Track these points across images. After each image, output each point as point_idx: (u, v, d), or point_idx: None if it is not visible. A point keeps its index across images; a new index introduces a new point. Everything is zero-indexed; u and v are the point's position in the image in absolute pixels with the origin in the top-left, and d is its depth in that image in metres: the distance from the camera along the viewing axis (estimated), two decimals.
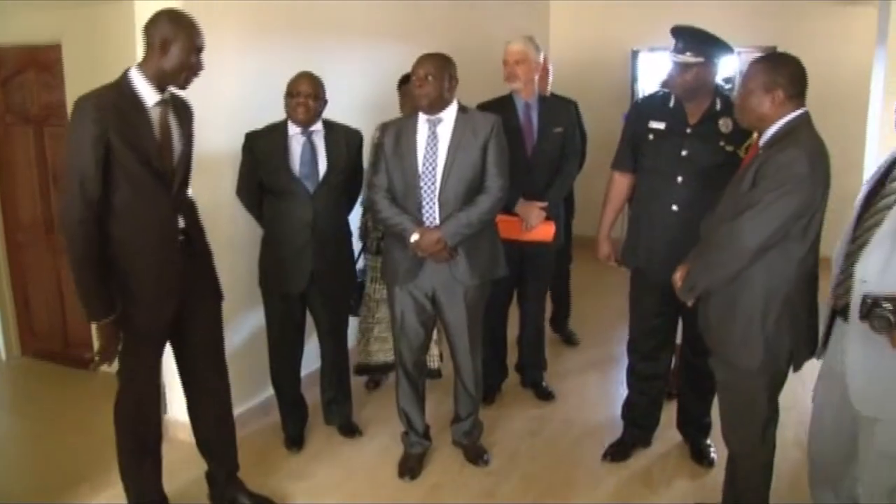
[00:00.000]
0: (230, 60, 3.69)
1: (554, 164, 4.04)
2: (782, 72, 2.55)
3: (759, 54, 6.43)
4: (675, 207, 3.24)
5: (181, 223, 2.88)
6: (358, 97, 4.40)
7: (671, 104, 3.34)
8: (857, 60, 6.49)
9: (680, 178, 3.23)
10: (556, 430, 4.03)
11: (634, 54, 7.80)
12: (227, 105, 3.71)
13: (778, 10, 7.20)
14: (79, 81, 4.11)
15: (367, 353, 4.36)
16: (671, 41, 3.21)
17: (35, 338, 5.02)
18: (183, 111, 2.91)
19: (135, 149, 2.65)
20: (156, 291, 2.80)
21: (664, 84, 3.67)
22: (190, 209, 2.97)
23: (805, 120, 2.58)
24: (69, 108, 4.16)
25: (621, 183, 3.58)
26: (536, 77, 4.07)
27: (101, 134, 2.56)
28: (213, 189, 3.62)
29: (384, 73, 4.22)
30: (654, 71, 7.54)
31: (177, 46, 2.69)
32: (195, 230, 2.98)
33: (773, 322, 2.59)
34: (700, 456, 3.65)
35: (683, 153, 3.23)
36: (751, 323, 2.61)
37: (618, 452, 3.70)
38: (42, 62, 4.49)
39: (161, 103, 2.75)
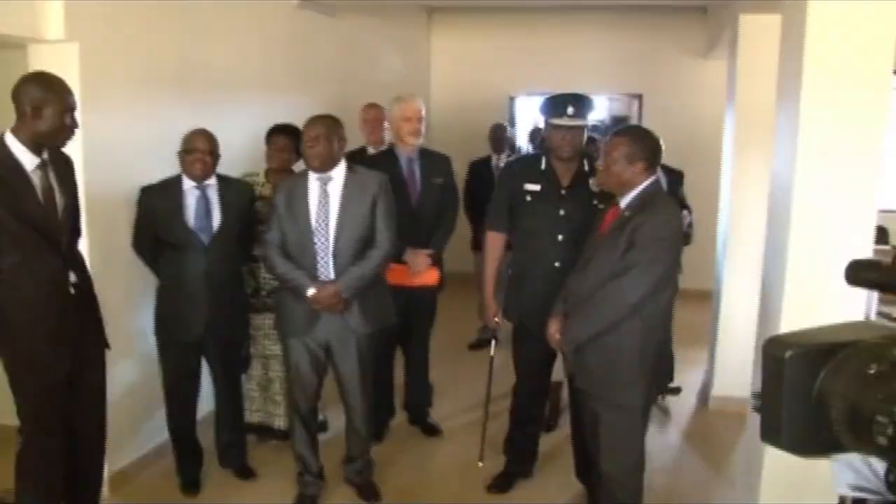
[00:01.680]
0: (121, 115, 3.77)
1: (436, 214, 4.31)
2: (644, 146, 2.95)
3: (626, 98, 6.91)
4: (557, 264, 3.47)
5: (73, 278, 2.97)
6: (242, 148, 4.52)
7: (542, 167, 3.60)
8: (714, 108, 7.10)
9: (560, 237, 3.49)
10: (442, 464, 4.26)
11: (512, 99, 8.21)
12: (119, 158, 3.78)
13: (643, 61, 7.76)
14: None
15: (265, 412, 4.33)
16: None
17: None
18: (63, 166, 2.99)
19: (20, 216, 2.74)
20: (55, 346, 2.90)
21: (543, 146, 3.84)
22: (80, 263, 3.07)
23: (659, 185, 3.03)
24: None
25: (497, 242, 3.81)
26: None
27: None
28: (108, 241, 3.71)
29: (269, 123, 4.34)
30: (529, 115, 7.97)
31: (49, 110, 2.76)
32: (85, 283, 3.08)
33: (650, 362, 2.97)
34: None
35: (561, 213, 3.51)
36: (631, 366, 2.95)
37: (502, 483, 3.96)
38: None
39: (41, 166, 2.83)
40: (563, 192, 3.54)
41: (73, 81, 3.27)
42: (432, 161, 4.37)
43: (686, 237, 4.92)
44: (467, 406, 5.07)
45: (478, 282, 5.90)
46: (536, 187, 3.58)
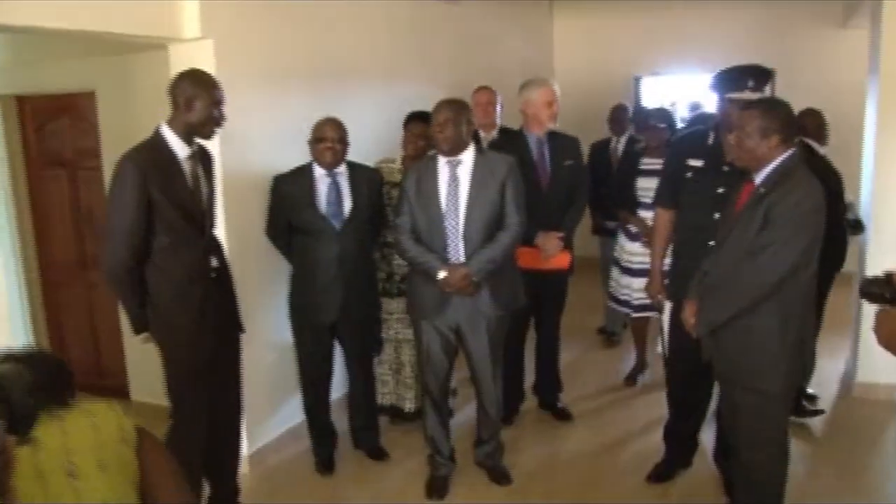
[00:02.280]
0: (254, 107, 3.91)
1: (566, 196, 4.26)
2: (777, 117, 2.78)
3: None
4: (711, 243, 3.23)
5: (213, 262, 3.16)
6: (371, 135, 4.62)
7: (710, 141, 3.44)
8: (854, 81, 6.71)
9: (717, 215, 3.27)
10: (573, 449, 4.22)
11: (637, 80, 8.03)
12: (254, 149, 3.93)
13: (775, 35, 7.40)
14: (112, 127, 4.40)
15: (397, 395, 4.42)
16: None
17: None
18: (206, 160, 3.20)
19: (173, 200, 2.95)
20: (199, 327, 3.07)
21: (716, 123, 3.53)
22: (218, 249, 3.26)
23: (797, 159, 2.82)
24: (103, 153, 4.44)
25: (664, 218, 3.68)
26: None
27: (144, 193, 2.86)
28: (244, 228, 3.86)
29: (398, 111, 4.43)
30: (656, 95, 7.76)
31: (200, 103, 2.98)
32: (224, 268, 3.26)
33: (791, 346, 2.82)
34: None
35: (720, 190, 3.30)
36: (770, 349, 2.81)
37: (662, 473, 3.82)
38: (76, 109, 4.73)
39: (191, 155, 3.04)
40: (724, 168, 3.33)
41: None
42: (562, 143, 4.32)
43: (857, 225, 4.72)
44: (596, 391, 5.01)
45: (602, 266, 5.83)
46: (699, 163, 3.44)
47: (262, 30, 3.94)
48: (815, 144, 4.43)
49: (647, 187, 4.61)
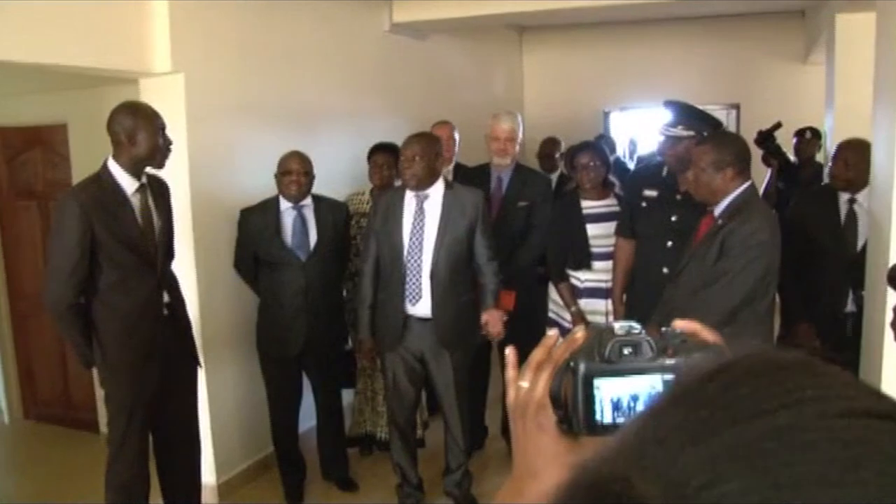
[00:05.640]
0: (222, 140, 3.97)
1: (514, 236, 4.13)
2: (730, 151, 2.88)
3: (722, 110, 6.71)
4: (665, 270, 3.36)
5: (166, 298, 3.14)
6: (341, 169, 4.69)
7: (664, 173, 3.54)
8: (815, 114, 6.89)
9: (670, 243, 3.39)
10: None
11: (606, 114, 8.17)
12: (222, 181, 3.98)
13: (739, 70, 7.58)
14: (84, 159, 4.42)
15: (372, 422, 4.46)
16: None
17: (37, 402, 5.21)
18: (159, 189, 3.17)
19: (119, 238, 2.93)
20: (140, 364, 3.05)
21: (658, 154, 3.71)
22: (173, 284, 3.23)
23: (753, 191, 2.92)
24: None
25: (625, 248, 3.73)
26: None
27: (85, 231, 2.83)
28: (213, 260, 3.90)
29: (366, 144, 4.50)
30: (624, 130, 7.88)
31: (142, 134, 2.95)
32: (178, 303, 3.24)
33: None
34: None
35: (673, 219, 3.41)
36: None
37: None
38: (48, 141, 4.77)
39: (140, 189, 3.02)
40: (678, 197, 3.43)
41: (179, 110, 3.56)
42: (524, 181, 4.25)
43: None
44: None
45: None
46: (653, 193, 3.53)
47: (231, 64, 4.01)
48: None
49: (595, 234, 3.97)
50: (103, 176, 2.96)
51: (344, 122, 5.03)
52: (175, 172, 3.33)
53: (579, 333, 0.75)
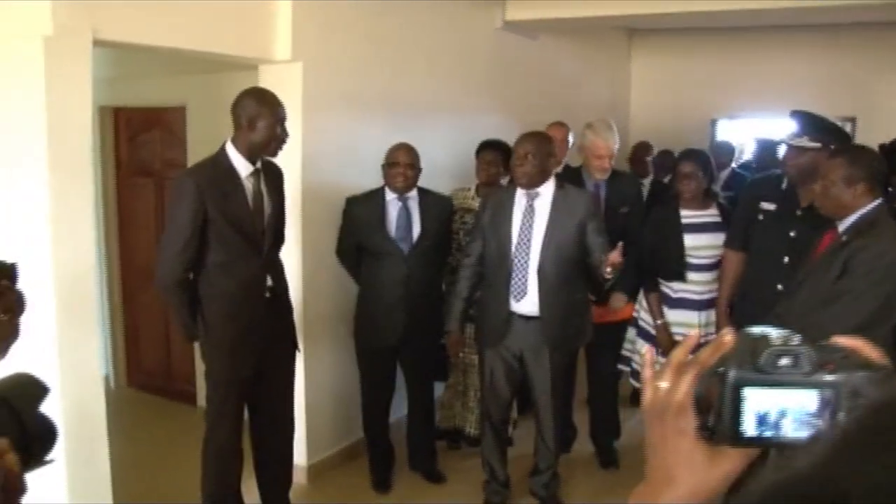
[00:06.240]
0: (335, 129, 4.04)
1: (617, 243, 3.97)
2: (863, 165, 2.74)
3: (838, 121, 6.46)
4: (780, 286, 3.25)
5: (269, 282, 3.21)
6: (446, 164, 4.72)
7: (783, 186, 3.44)
8: None
9: (786, 259, 3.28)
10: (630, 486, 4.16)
11: (713, 122, 7.97)
12: (332, 169, 4.06)
13: (857, 81, 7.28)
14: (199, 141, 4.59)
15: (461, 417, 4.47)
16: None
17: (141, 372, 5.43)
18: (273, 176, 3.24)
19: (230, 218, 3.01)
20: (240, 343, 3.13)
21: (780, 165, 3.59)
22: (278, 269, 3.30)
23: (883, 209, 2.77)
24: (189, 165, 4.62)
25: (734, 260, 3.66)
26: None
27: (200, 209, 2.94)
28: (319, 246, 3.98)
29: (473, 141, 4.53)
30: (732, 138, 7.66)
31: (262, 122, 3.02)
32: (281, 288, 3.31)
33: None
34: None
35: (792, 234, 3.30)
36: None
37: None
38: (167, 122, 4.96)
39: (254, 174, 3.10)
40: (798, 212, 3.33)
41: (296, 97, 3.64)
42: (620, 186, 4.18)
43: None
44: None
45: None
46: (772, 206, 3.43)
47: (347, 55, 4.08)
48: None
49: (693, 245, 3.85)
50: (220, 158, 3.07)
51: (453, 117, 5.06)
52: (288, 159, 3.40)
53: (728, 337, 0.72)
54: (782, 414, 0.66)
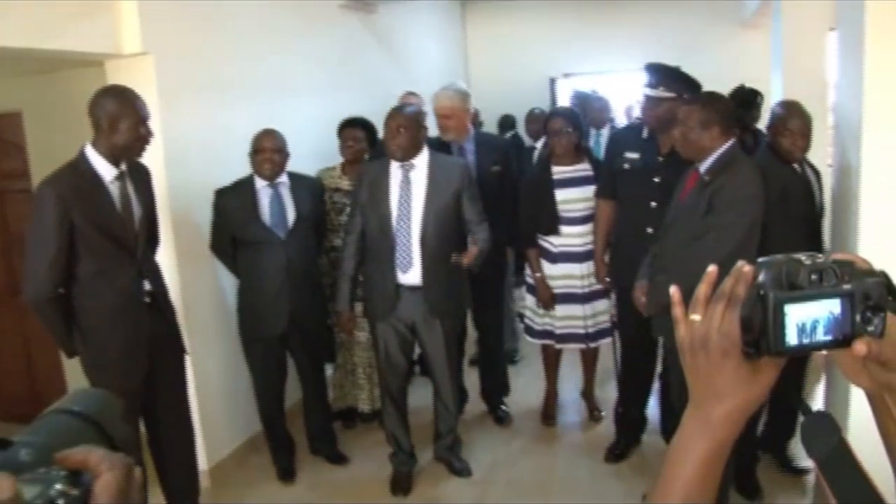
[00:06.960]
0: (195, 121, 3.91)
1: (492, 202, 4.03)
2: (716, 109, 3.00)
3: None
4: (650, 230, 3.49)
5: (147, 286, 3.08)
6: (311, 145, 4.67)
7: (644, 135, 3.66)
8: (755, 75, 7.10)
9: (654, 204, 3.51)
10: (526, 440, 4.37)
11: (552, 81, 8.28)
12: (196, 163, 3.91)
13: (680, 32, 7.76)
14: (42, 148, 4.32)
15: (353, 395, 4.52)
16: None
17: (2, 401, 5.07)
18: (140, 176, 3.10)
19: (98, 225, 2.86)
20: (125, 354, 3.01)
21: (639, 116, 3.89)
22: (155, 272, 3.18)
23: (737, 148, 3.04)
24: (33, 175, 4.35)
25: (605, 209, 3.88)
26: (469, 123, 4.29)
27: (64, 219, 2.77)
28: (192, 243, 3.86)
29: (334, 120, 4.50)
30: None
31: (124, 123, 2.85)
32: (160, 291, 3.18)
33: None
34: None
35: (656, 180, 3.54)
36: None
37: (616, 453, 4.00)
38: (1, 130, 4.60)
39: (119, 176, 2.94)
40: (660, 159, 3.56)
41: (150, 91, 3.45)
42: (487, 146, 4.30)
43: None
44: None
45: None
46: (635, 155, 3.64)
47: (201, 44, 3.95)
48: None
49: (564, 199, 4.06)
50: (80, 163, 2.88)
51: (311, 97, 5.01)
52: (150, 157, 3.21)
53: (746, 267, 0.82)
54: (815, 322, 0.77)
